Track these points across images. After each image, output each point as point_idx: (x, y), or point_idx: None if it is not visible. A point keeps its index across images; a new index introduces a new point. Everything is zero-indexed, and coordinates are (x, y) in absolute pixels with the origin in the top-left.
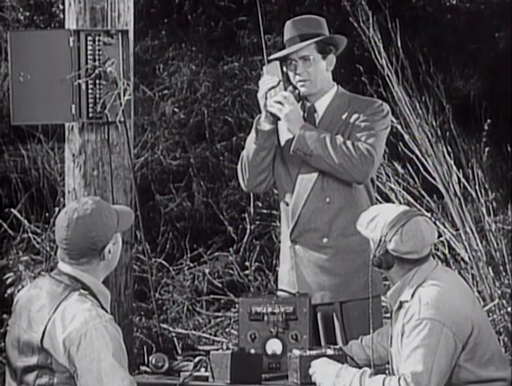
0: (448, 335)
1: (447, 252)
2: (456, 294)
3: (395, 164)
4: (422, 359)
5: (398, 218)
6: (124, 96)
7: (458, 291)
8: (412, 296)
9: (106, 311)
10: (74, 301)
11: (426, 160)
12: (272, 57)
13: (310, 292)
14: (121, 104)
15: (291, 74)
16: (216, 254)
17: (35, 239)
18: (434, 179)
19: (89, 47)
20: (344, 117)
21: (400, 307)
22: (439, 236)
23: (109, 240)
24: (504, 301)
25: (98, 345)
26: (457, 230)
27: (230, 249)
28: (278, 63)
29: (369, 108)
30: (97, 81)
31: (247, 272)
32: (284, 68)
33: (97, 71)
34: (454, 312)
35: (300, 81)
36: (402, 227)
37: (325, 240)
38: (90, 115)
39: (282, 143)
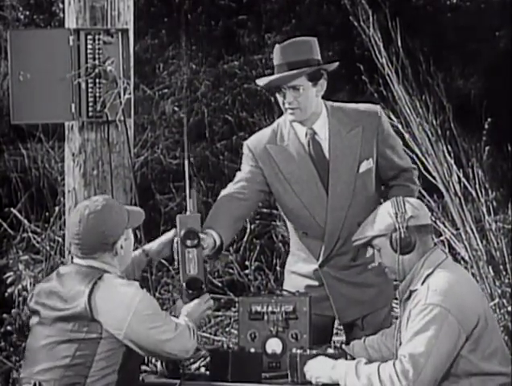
0: (452, 323)
1: (447, 251)
2: (464, 286)
3: None
4: (423, 342)
5: (397, 198)
6: (124, 95)
7: (467, 283)
8: (422, 284)
9: None
10: (114, 279)
11: (426, 159)
12: (259, 83)
13: (347, 307)
14: (121, 103)
15: (280, 100)
16: None
17: (34, 238)
18: (434, 179)
19: (89, 46)
20: (356, 137)
21: (409, 297)
22: (440, 235)
23: (120, 236)
24: (504, 301)
25: (152, 307)
26: (457, 229)
27: (230, 248)
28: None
29: (372, 118)
30: (97, 80)
31: (247, 271)
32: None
33: (96, 70)
34: (461, 302)
35: (290, 109)
36: (405, 200)
37: (355, 260)
38: (90, 114)
39: (298, 189)
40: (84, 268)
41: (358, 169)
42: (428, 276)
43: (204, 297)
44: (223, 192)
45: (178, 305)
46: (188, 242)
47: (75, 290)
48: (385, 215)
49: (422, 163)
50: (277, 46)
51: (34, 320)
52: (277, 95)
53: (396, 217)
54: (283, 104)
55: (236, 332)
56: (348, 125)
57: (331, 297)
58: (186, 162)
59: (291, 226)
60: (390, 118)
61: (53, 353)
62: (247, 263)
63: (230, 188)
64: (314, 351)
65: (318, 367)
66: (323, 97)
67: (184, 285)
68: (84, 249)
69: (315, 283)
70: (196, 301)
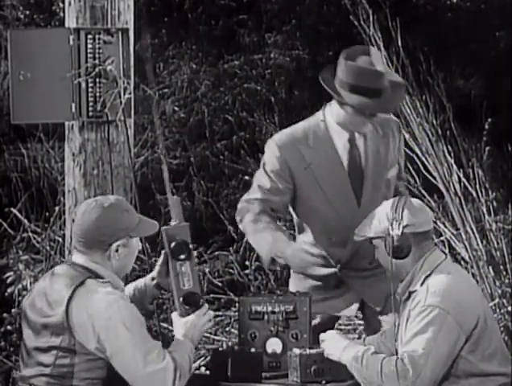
0: (451, 324)
1: (447, 251)
2: (464, 286)
3: None
4: (422, 343)
5: (397, 201)
6: (124, 94)
7: (467, 284)
8: (421, 285)
9: None
10: (94, 287)
11: (426, 159)
12: (353, 102)
13: (374, 294)
14: (121, 102)
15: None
16: (217, 253)
17: (35, 238)
18: (434, 178)
19: (89, 46)
20: (387, 145)
21: (408, 297)
22: (440, 235)
23: (119, 239)
24: (504, 301)
25: (125, 325)
26: (458, 229)
27: (230, 248)
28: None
29: (396, 126)
30: (97, 80)
31: (247, 271)
32: None
33: (97, 70)
34: (460, 303)
35: (364, 124)
36: (405, 205)
37: (372, 263)
38: (90, 114)
39: (329, 191)
40: (72, 271)
41: (387, 175)
42: (427, 277)
43: (203, 309)
44: (260, 217)
45: (174, 319)
46: (180, 255)
47: (59, 295)
48: (383, 218)
49: (422, 163)
50: (349, 62)
51: (23, 323)
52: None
53: (391, 223)
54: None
55: (236, 332)
56: (381, 132)
57: (356, 292)
58: (165, 168)
59: (308, 230)
60: None
61: (38, 359)
62: (247, 263)
63: (264, 207)
64: (314, 351)
65: (331, 345)
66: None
67: (181, 299)
68: (81, 241)
69: (329, 285)
70: (193, 315)
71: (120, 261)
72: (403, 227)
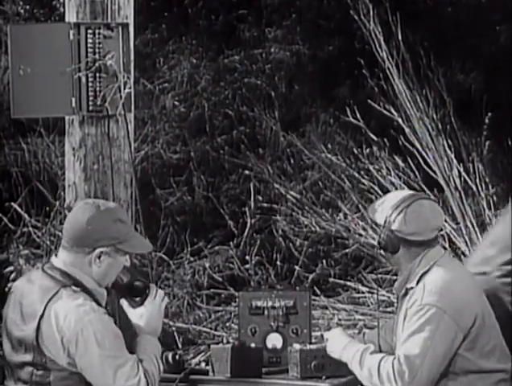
0: (448, 323)
1: (447, 245)
2: (461, 283)
3: (396, 158)
4: (418, 343)
5: (404, 199)
6: (124, 89)
7: (464, 281)
8: (417, 282)
9: (101, 307)
10: (66, 298)
11: (426, 154)
12: None
13: None
14: (121, 97)
15: None
16: (217, 248)
17: (35, 233)
18: (434, 173)
19: (89, 40)
20: None
21: (406, 294)
22: (440, 229)
23: (105, 245)
24: None
25: (96, 339)
26: (458, 224)
27: (230, 243)
28: None
29: None
30: (98, 74)
31: (247, 266)
32: None
33: (97, 65)
34: (457, 301)
35: None
36: (407, 208)
37: None
38: (90, 108)
39: None
40: (47, 280)
41: None
42: (424, 274)
43: (152, 292)
44: None
45: (128, 313)
46: None
47: (32, 309)
48: (386, 209)
49: (422, 157)
50: None
51: (3, 332)
52: None
53: (385, 220)
54: None
55: (236, 327)
56: None
57: None
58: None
59: None
60: (390, 112)
61: (17, 375)
62: (247, 257)
63: None
64: (314, 346)
65: (333, 343)
66: None
67: (128, 293)
68: (67, 238)
69: None
70: (145, 304)
71: (100, 269)
72: (391, 229)
